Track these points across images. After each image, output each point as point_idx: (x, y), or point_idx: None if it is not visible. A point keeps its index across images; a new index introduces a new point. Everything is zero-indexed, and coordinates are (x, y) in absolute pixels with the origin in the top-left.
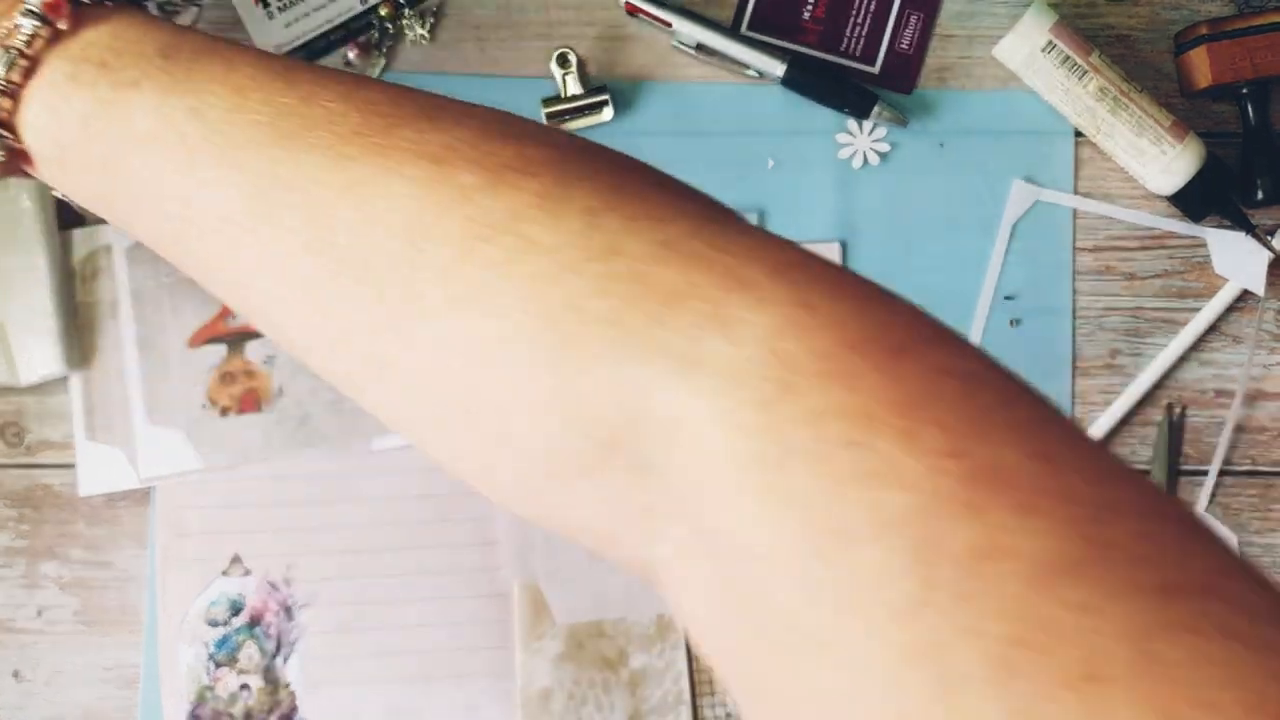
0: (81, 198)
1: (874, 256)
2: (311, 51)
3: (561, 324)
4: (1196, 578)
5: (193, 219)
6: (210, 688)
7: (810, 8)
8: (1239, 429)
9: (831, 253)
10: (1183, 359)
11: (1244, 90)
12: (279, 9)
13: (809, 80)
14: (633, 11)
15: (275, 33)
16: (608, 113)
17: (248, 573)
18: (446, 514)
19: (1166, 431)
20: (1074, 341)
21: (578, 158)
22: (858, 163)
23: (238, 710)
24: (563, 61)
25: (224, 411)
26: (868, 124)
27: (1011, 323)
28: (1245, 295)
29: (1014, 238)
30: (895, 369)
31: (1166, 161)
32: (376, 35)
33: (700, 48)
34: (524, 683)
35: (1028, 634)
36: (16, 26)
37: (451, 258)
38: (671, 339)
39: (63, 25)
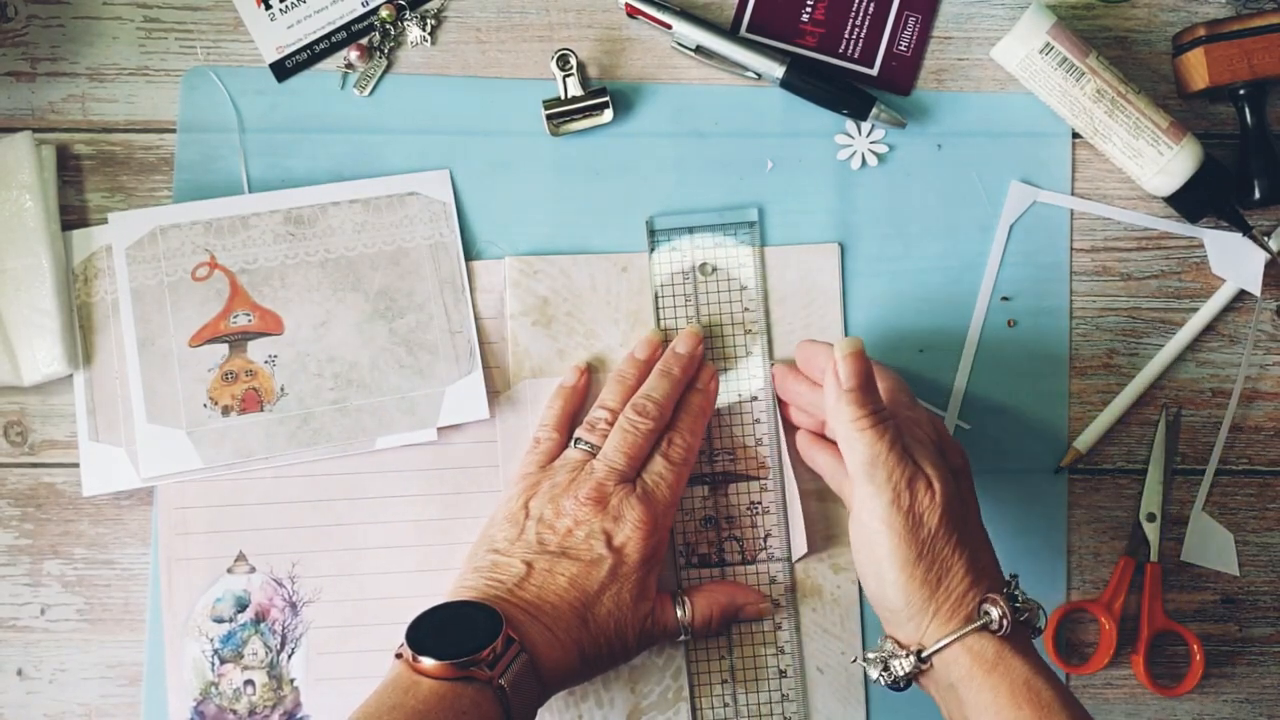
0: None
1: (872, 257)
2: (313, 53)
3: None
4: None
5: None
6: (215, 684)
7: (809, 10)
8: (1235, 429)
9: (830, 253)
10: (1179, 359)
11: (1241, 91)
12: (281, 11)
13: (808, 82)
14: (633, 14)
15: (277, 34)
16: (608, 114)
17: (253, 570)
18: (448, 512)
19: (1163, 431)
20: (1071, 342)
21: None
22: (856, 164)
23: (241, 706)
24: (563, 63)
25: (225, 411)
26: (866, 125)
27: (1009, 323)
28: (1242, 295)
29: (1011, 238)
30: None
31: (1164, 162)
32: (378, 37)
33: (700, 50)
34: None
35: None
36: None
37: None
38: None
39: None
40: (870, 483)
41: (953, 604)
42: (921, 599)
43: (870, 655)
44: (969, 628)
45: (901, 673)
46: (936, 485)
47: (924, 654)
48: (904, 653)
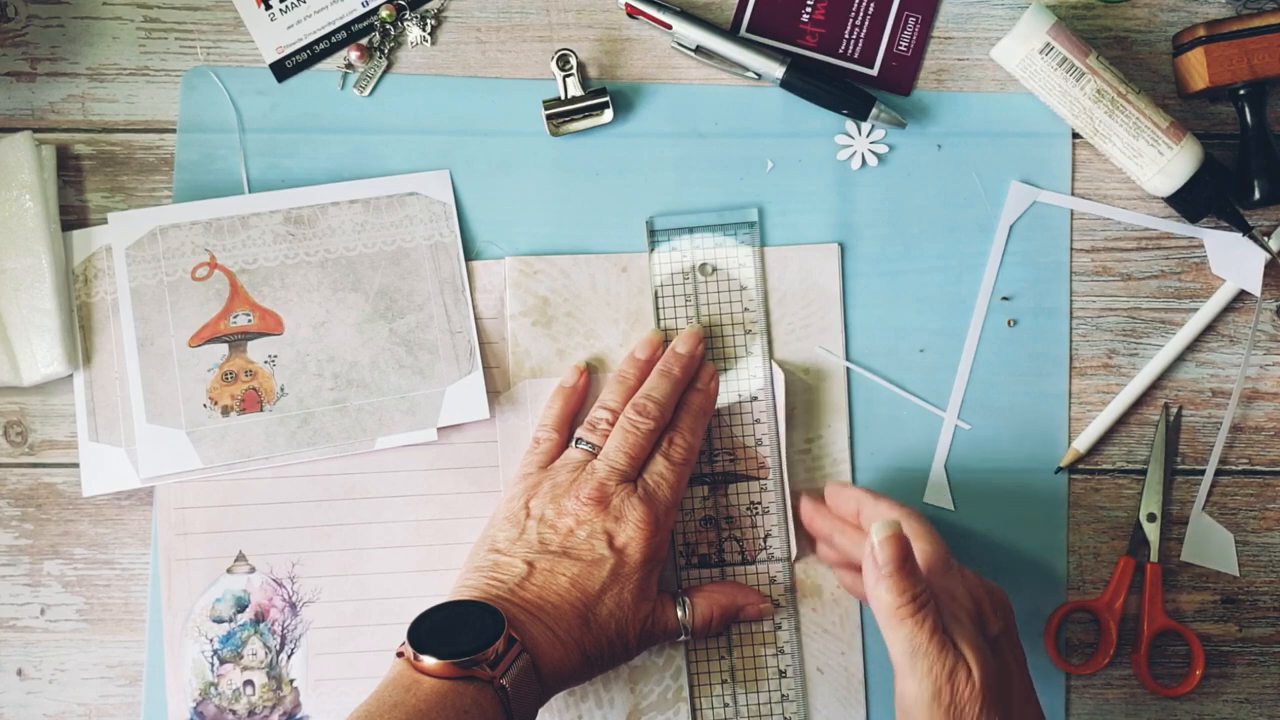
0: None
1: (872, 257)
2: (313, 53)
3: None
4: None
5: None
6: (214, 684)
7: (809, 10)
8: (1235, 429)
9: (830, 253)
10: (1179, 359)
11: (1241, 92)
12: (281, 11)
13: (808, 82)
14: (633, 14)
15: (277, 34)
16: (608, 114)
17: (252, 570)
18: (448, 512)
19: (1163, 431)
20: (1071, 342)
21: None
22: (856, 164)
23: (241, 707)
24: (563, 63)
25: (225, 411)
26: (866, 125)
27: (1009, 323)
28: (1242, 296)
29: (1011, 238)
30: None
31: (1164, 163)
32: (378, 37)
33: (700, 50)
34: None
35: None
36: None
37: None
38: None
39: None
40: (912, 675)
41: None
42: None
43: None
44: None
45: None
46: (976, 671)
47: None
48: None
